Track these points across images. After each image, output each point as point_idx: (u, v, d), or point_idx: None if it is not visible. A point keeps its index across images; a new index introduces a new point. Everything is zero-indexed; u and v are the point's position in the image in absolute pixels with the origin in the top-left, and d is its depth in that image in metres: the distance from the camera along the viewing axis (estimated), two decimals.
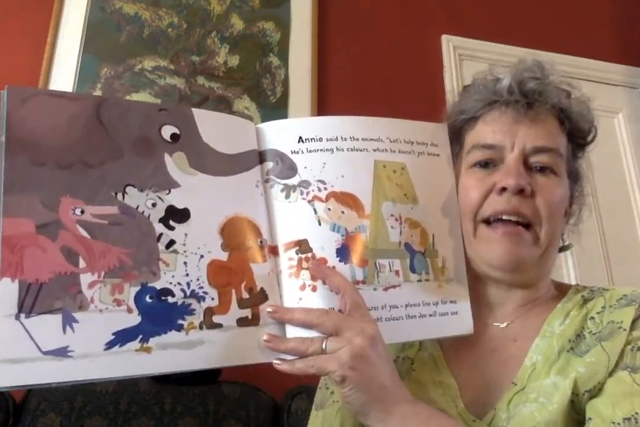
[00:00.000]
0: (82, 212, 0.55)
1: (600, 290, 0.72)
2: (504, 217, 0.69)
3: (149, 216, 0.58)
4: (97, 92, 1.68)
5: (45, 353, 0.51)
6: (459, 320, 0.69)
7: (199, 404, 1.29)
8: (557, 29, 2.21)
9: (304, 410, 1.32)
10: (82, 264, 0.54)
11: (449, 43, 2.09)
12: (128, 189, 0.58)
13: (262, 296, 0.61)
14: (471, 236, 0.72)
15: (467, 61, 2.09)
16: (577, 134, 0.76)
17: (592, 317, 0.68)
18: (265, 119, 1.78)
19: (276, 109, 1.81)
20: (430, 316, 0.67)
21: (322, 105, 1.85)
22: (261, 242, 0.62)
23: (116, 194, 0.57)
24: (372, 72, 1.97)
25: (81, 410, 1.21)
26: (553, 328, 0.69)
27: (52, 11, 1.71)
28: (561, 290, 0.76)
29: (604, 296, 0.70)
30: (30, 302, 0.51)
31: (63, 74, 1.67)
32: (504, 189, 0.69)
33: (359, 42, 2.00)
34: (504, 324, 0.73)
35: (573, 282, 0.78)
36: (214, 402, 1.30)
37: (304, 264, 0.62)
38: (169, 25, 1.82)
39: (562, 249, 0.79)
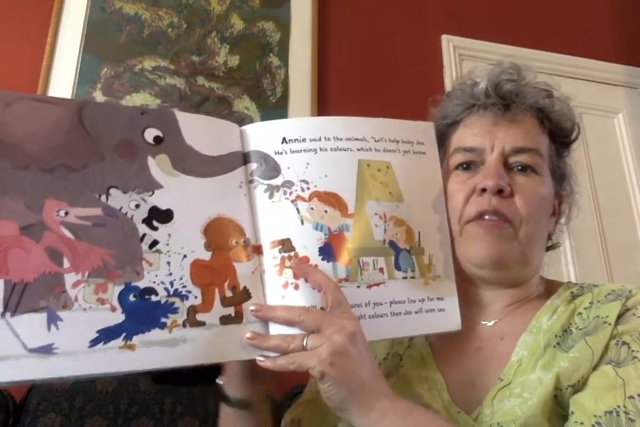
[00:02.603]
0: (66, 213, 0.56)
1: (590, 286, 0.72)
2: (486, 217, 0.71)
3: (132, 217, 0.59)
4: (97, 92, 1.68)
5: (31, 351, 0.52)
6: (446, 317, 0.69)
7: (199, 404, 1.29)
8: (557, 29, 2.21)
9: None
10: (66, 264, 0.55)
11: (449, 43, 2.09)
12: (111, 190, 0.58)
13: (245, 295, 0.62)
14: (458, 237, 0.73)
15: (467, 61, 2.09)
16: (559, 133, 0.77)
17: (580, 313, 0.68)
18: (265, 119, 1.77)
19: (276, 109, 1.81)
20: (416, 312, 0.67)
21: (322, 105, 1.85)
22: (245, 241, 0.63)
23: (99, 195, 0.58)
24: (372, 72, 1.97)
25: (81, 410, 1.21)
26: (541, 324, 0.70)
27: (52, 11, 1.71)
28: (552, 287, 0.76)
29: (592, 291, 0.70)
30: (15, 301, 0.52)
31: (63, 74, 1.67)
32: (484, 190, 0.70)
33: (359, 42, 2.00)
34: (491, 323, 0.73)
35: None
36: (213, 402, 1.30)
37: (287, 263, 0.63)
38: (169, 25, 1.82)
39: (550, 248, 0.80)
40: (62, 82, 1.66)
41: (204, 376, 1.33)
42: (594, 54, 2.23)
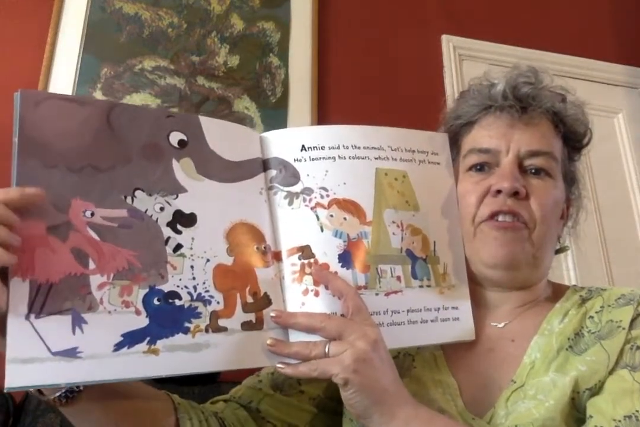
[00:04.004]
0: (92, 214, 0.56)
1: (598, 290, 0.73)
2: (500, 217, 0.71)
3: (157, 220, 0.58)
4: (97, 92, 1.68)
5: (55, 353, 0.51)
6: (460, 326, 0.70)
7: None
8: (557, 29, 2.21)
9: None
10: (91, 265, 0.54)
11: (449, 43, 2.09)
12: (137, 193, 0.58)
13: (266, 301, 0.62)
14: (470, 238, 0.73)
15: (467, 61, 2.09)
16: (572, 137, 0.78)
17: (591, 317, 0.69)
18: (265, 119, 1.78)
19: (276, 109, 1.81)
20: (432, 321, 0.68)
21: (322, 105, 1.85)
22: (265, 247, 0.63)
23: (125, 197, 0.57)
24: (372, 72, 1.97)
25: None
26: (552, 326, 0.70)
27: (52, 11, 1.70)
28: (559, 291, 0.77)
29: (602, 295, 0.71)
30: (40, 302, 0.51)
31: (63, 74, 1.67)
32: (499, 192, 0.71)
33: (359, 42, 2.00)
34: (502, 324, 0.74)
35: (573, 284, 0.79)
36: None
37: (307, 270, 0.63)
38: (169, 25, 1.81)
39: (559, 251, 0.80)
40: (62, 82, 1.65)
41: (204, 376, 1.33)
42: (594, 54, 2.23)
